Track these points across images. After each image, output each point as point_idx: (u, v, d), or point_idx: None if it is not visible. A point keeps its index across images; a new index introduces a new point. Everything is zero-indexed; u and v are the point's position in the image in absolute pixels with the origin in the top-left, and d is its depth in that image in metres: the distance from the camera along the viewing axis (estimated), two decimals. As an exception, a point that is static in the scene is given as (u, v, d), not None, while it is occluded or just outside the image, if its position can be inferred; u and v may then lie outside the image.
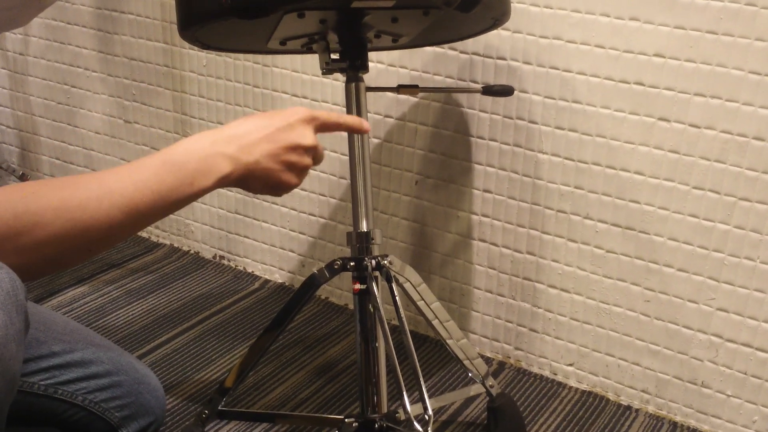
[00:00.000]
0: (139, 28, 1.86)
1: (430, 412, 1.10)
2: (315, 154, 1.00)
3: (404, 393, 1.11)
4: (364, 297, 1.18)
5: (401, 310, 1.18)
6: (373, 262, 1.18)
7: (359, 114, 1.21)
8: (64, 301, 1.73)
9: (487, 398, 1.38)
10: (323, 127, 1.01)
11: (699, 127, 1.31)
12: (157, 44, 1.85)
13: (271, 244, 1.85)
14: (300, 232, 1.80)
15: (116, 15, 1.89)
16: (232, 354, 1.60)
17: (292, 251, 1.83)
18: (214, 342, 1.63)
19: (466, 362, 1.31)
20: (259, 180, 0.96)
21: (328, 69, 1.21)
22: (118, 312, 1.71)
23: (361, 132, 1.09)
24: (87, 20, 1.94)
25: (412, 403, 1.14)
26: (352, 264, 1.19)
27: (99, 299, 1.75)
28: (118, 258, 1.92)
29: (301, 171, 0.98)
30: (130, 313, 1.71)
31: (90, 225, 0.84)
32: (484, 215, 1.54)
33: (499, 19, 1.23)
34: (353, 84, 1.20)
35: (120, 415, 1.25)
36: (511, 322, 1.58)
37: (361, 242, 1.20)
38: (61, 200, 0.84)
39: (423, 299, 1.26)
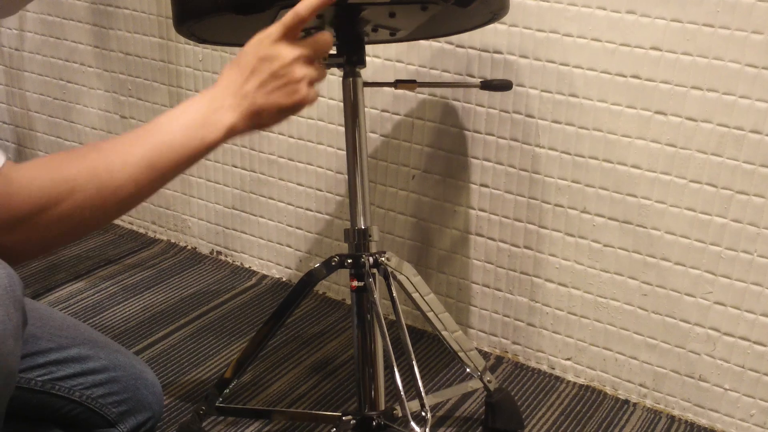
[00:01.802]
0: (135, 23, 1.86)
1: (428, 409, 1.10)
2: (306, 59, 0.99)
3: (401, 390, 1.11)
4: (362, 294, 1.17)
5: (398, 306, 1.18)
6: (371, 259, 1.18)
7: (356, 110, 1.20)
8: (61, 297, 1.73)
9: (485, 393, 1.37)
10: (293, 27, 0.99)
11: (696, 121, 1.31)
12: (153, 39, 1.85)
13: (268, 240, 1.85)
14: (297, 228, 1.80)
15: (112, 10, 1.88)
16: (229, 350, 1.60)
17: (290, 247, 1.83)
18: (212, 338, 1.63)
19: (461, 354, 1.31)
20: (266, 115, 0.98)
21: (325, 64, 1.21)
22: (115, 308, 1.71)
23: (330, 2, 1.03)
24: (82, 15, 1.94)
25: (409, 399, 1.13)
26: (349, 261, 1.18)
27: (96, 295, 1.75)
28: (114, 254, 1.92)
29: (299, 85, 0.98)
30: (127, 309, 1.71)
31: (117, 186, 0.89)
32: (481, 210, 1.54)
33: (498, 13, 1.23)
34: (350, 79, 1.20)
35: (117, 411, 1.25)
36: (508, 317, 1.58)
37: (358, 239, 1.19)
38: (90, 166, 0.89)
39: (418, 291, 1.26)
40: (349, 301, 1.73)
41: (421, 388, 1.12)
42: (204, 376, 1.52)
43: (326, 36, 1.01)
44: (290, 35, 0.98)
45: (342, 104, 1.23)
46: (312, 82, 1.00)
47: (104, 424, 1.26)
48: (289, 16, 0.98)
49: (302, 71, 0.98)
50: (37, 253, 0.92)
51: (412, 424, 1.09)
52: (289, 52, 0.98)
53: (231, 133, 0.96)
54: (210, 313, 1.72)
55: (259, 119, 0.98)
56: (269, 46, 0.98)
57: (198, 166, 1.91)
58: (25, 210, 0.87)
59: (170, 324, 1.67)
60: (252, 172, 1.81)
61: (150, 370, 1.33)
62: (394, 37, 1.28)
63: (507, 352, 1.61)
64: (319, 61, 1.01)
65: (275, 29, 0.98)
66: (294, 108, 0.99)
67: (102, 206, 0.91)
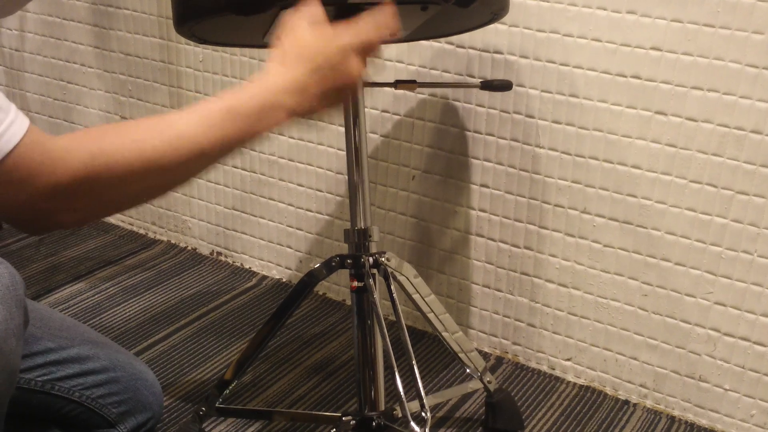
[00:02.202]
0: (135, 24, 1.86)
1: (428, 409, 1.10)
2: (360, 44, 0.97)
3: (401, 391, 1.11)
4: (362, 294, 1.17)
5: (398, 306, 1.17)
6: (371, 259, 1.18)
7: (356, 110, 1.20)
8: (61, 299, 1.73)
9: (485, 393, 1.37)
10: (370, 47, 0.99)
11: (696, 121, 1.31)
12: (153, 40, 1.85)
13: (268, 241, 1.85)
14: (297, 228, 1.79)
15: (112, 10, 1.88)
16: (229, 350, 1.60)
17: (290, 247, 1.83)
18: (212, 339, 1.63)
19: (462, 355, 1.30)
20: (320, 104, 0.96)
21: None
22: (115, 309, 1.71)
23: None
24: (83, 16, 1.94)
25: (409, 400, 1.13)
26: (349, 261, 1.18)
27: (96, 296, 1.75)
28: (114, 255, 1.92)
29: (352, 63, 0.96)
30: (127, 310, 1.71)
31: (163, 166, 0.86)
32: (481, 210, 1.54)
33: (498, 13, 1.23)
34: None
35: (117, 411, 1.25)
36: (508, 317, 1.58)
37: (358, 239, 1.19)
38: (134, 141, 0.86)
39: (418, 292, 1.26)
40: (349, 302, 1.73)
41: (421, 389, 1.12)
42: (204, 376, 1.52)
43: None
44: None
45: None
46: (355, 68, 0.97)
47: (104, 424, 1.26)
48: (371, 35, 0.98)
49: (356, 61, 0.96)
50: (80, 223, 0.89)
51: (412, 424, 1.09)
52: (342, 41, 0.96)
53: (281, 128, 0.95)
54: (210, 313, 1.71)
55: (316, 107, 0.96)
56: (343, 48, 0.96)
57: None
58: (63, 178, 0.83)
59: (170, 325, 1.67)
60: (252, 173, 1.81)
61: (150, 370, 1.33)
62: (393, 37, 1.28)
63: (507, 352, 1.61)
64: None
65: (350, 35, 0.97)
66: (348, 90, 0.97)
67: (148, 181, 0.88)
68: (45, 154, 0.83)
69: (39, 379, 1.20)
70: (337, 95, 0.97)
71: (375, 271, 1.18)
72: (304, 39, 0.96)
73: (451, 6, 1.10)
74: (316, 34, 0.96)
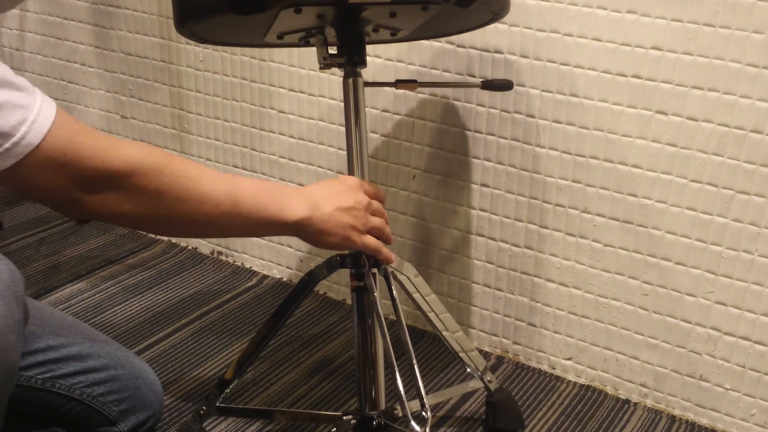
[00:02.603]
0: (136, 23, 1.86)
1: (428, 408, 1.10)
2: (374, 212, 1.13)
3: (401, 390, 1.11)
4: (362, 294, 1.17)
5: (399, 306, 1.17)
6: (371, 259, 1.18)
7: (357, 110, 1.20)
8: (62, 298, 1.73)
9: (486, 393, 1.37)
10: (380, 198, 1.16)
11: (697, 120, 1.31)
12: (154, 39, 1.85)
13: (269, 240, 1.85)
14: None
15: (112, 10, 1.89)
16: (230, 350, 1.60)
17: (290, 247, 1.83)
18: (212, 338, 1.63)
19: (462, 355, 1.30)
20: (328, 233, 1.07)
21: (325, 64, 1.21)
22: (115, 308, 1.71)
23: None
24: (83, 15, 1.94)
25: (409, 399, 1.13)
26: (349, 261, 1.18)
27: (97, 296, 1.75)
28: (115, 254, 1.92)
29: (365, 228, 1.10)
30: (128, 310, 1.71)
31: (201, 192, 0.95)
32: (482, 209, 1.54)
33: (498, 13, 1.23)
34: (351, 79, 1.20)
35: (118, 409, 1.25)
36: (509, 317, 1.58)
37: None
38: (186, 162, 0.96)
39: (418, 291, 1.26)
40: (349, 302, 1.73)
41: (422, 388, 1.12)
42: (205, 376, 1.52)
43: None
44: (379, 198, 1.15)
45: (342, 104, 1.23)
46: (365, 234, 1.11)
47: (105, 422, 1.26)
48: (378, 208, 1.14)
49: (374, 220, 1.11)
50: (103, 220, 0.95)
51: (413, 423, 1.09)
52: (368, 199, 1.12)
53: (298, 225, 1.04)
54: (211, 313, 1.72)
55: (323, 228, 1.07)
56: (362, 186, 1.13)
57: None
58: (116, 168, 0.87)
59: (171, 324, 1.67)
60: (253, 172, 1.81)
61: (150, 368, 1.33)
62: (394, 38, 1.28)
63: (508, 352, 1.61)
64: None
65: (366, 184, 1.14)
66: (352, 242, 1.10)
67: (181, 200, 0.94)
68: (100, 140, 0.86)
69: (39, 376, 1.20)
70: (348, 231, 1.09)
71: (375, 270, 1.18)
72: (339, 180, 1.12)
73: (451, 6, 1.10)
74: (352, 181, 1.12)
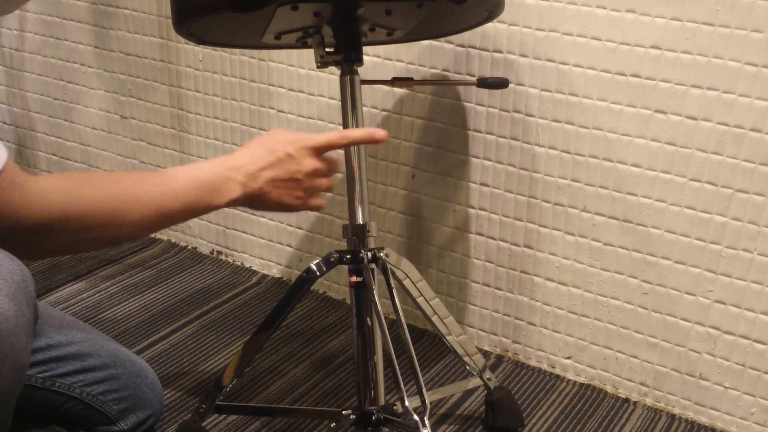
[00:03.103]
0: (135, 24, 1.86)
1: (428, 403, 1.10)
2: (321, 172, 1.12)
3: (401, 384, 1.11)
4: (361, 289, 1.18)
5: (398, 303, 1.18)
6: (369, 254, 1.18)
7: (354, 107, 1.21)
8: (62, 298, 1.73)
9: (485, 391, 1.37)
10: (325, 148, 1.11)
11: (696, 119, 1.31)
12: (153, 39, 1.85)
13: (268, 239, 1.85)
14: (297, 227, 1.80)
15: (112, 10, 1.89)
16: (230, 349, 1.60)
17: (290, 246, 1.83)
18: (212, 337, 1.63)
19: (466, 358, 1.31)
20: (265, 203, 1.09)
21: (322, 62, 1.21)
22: (115, 308, 1.71)
23: (374, 141, 1.15)
24: (83, 16, 1.94)
25: (409, 396, 1.13)
26: (348, 257, 1.19)
27: (96, 295, 1.75)
28: (115, 254, 1.92)
29: (307, 193, 1.11)
30: (128, 309, 1.71)
31: (126, 220, 0.98)
32: (481, 209, 1.54)
33: (494, 11, 1.23)
34: (348, 77, 1.20)
35: (118, 408, 1.26)
36: (508, 316, 1.58)
37: (357, 234, 1.20)
38: (107, 194, 0.98)
39: (422, 295, 1.26)
40: (349, 301, 1.73)
41: (422, 383, 1.12)
42: (204, 375, 1.52)
43: (339, 159, 1.16)
44: (321, 151, 1.11)
45: (339, 102, 1.23)
46: (313, 196, 1.13)
47: (105, 421, 1.26)
48: (333, 137, 1.12)
49: (312, 182, 1.11)
50: (45, 257, 1.01)
51: (414, 416, 1.09)
52: (311, 162, 1.10)
53: (232, 204, 1.07)
54: (210, 312, 1.72)
55: (258, 202, 1.09)
56: (299, 150, 1.10)
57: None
58: (36, 220, 0.92)
59: (171, 324, 1.67)
60: (252, 172, 1.81)
61: (150, 368, 1.33)
62: (391, 38, 1.28)
63: (507, 351, 1.61)
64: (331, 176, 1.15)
65: (313, 140, 1.10)
66: (289, 208, 1.12)
67: (109, 233, 0.99)
68: (25, 195, 0.91)
69: (39, 375, 1.20)
70: (286, 197, 1.10)
71: (373, 266, 1.18)
72: (279, 137, 1.10)
73: (445, 3, 1.10)
74: (292, 140, 1.10)
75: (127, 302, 1.73)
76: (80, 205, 0.95)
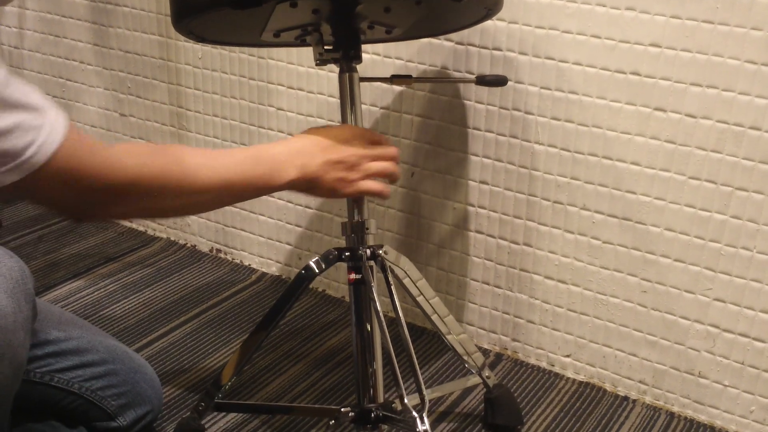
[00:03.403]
0: (135, 21, 1.86)
1: (427, 401, 1.10)
2: (379, 157, 1.15)
3: (400, 382, 1.11)
4: (360, 287, 1.17)
5: (397, 300, 1.17)
6: (368, 251, 1.18)
7: (353, 105, 1.20)
8: (61, 295, 1.73)
9: (484, 389, 1.37)
10: (379, 141, 1.17)
11: (695, 117, 1.31)
12: (153, 37, 1.85)
13: (268, 237, 1.85)
14: (296, 225, 1.80)
15: (111, 8, 1.89)
16: (229, 347, 1.60)
17: (289, 244, 1.83)
18: (211, 335, 1.63)
19: (465, 357, 1.31)
20: (320, 186, 1.11)
21: (321, 60, 1.21)
22: (114, 306, 1.71)
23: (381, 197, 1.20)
24: (82, 13, 1.94)
25: (408, 393, 1.13)
26: (347, 254, 1.18)
27: (96, 293, 1.75)
28: (114, 252, 1.92)
29: (361, 175, 1.13)
30: (127, 307, 1.71)
31: (195, 186, 1.01)
32: (480, 206, 1.54)
33: (492, 9, 1.23)
34: (347, 74, 1.20)
35: (116, 404, 1.26)
36: (508, 314, 1.58)
37: (355, 232, 1.20)
38: (175, 160, 1.01)
39: (422, 294, 1.26)
40: (348, 299, 1.73)
41: (421, 381, 1.12)
42: (203, 373, 1.52)
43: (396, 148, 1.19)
44: (373, 141, 1.16)
45: (338, 100, 1.23)
46: (375, 175, 1.15)
47: (103, 417, 1.26)
48: (386, 142, 1.18)
49: (368, 165, 1.14)
50: (119, 218, 1.07)
51: (413, 413, 1.09)
52: (364, 147, 1.14)
53: (289, 186, 1.09)
54: (210, 310, 1.72)
55: (314, 186, 1.11)
56: (354, 135, 1.15)
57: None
58: (112, 182, 0.93)
59: (170, 321, 1.67)
60: (251, 170, 1.81)
61: (148, 364, 1.33)
62: (390, 35, 1.28)
63: (507, 349, 1.61)
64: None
65: (369, 133, 1.17)
66: (344, 192, 1.14)
67: (178, 200, 1.02)
68: (103, 158, 0.93)
69: (38, 370, 1.20)
70: (339, 182, 1.13)
71: (372, 263, 1.18)
72: (337, 129, 1.15)
73: (443, 0, 1.10)
74: (350, 132, 1.15)
75: (126, 300, 1.73)
76: (152, 168, 0.97)
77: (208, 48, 1.77)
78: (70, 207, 0.95)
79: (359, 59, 1.20)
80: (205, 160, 1.03)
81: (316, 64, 1.22)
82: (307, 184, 1.11)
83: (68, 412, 1.24)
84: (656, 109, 1.33)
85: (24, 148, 0.84)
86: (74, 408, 1.24)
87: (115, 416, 1.26)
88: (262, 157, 1.08)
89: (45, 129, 0.86)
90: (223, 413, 1.40)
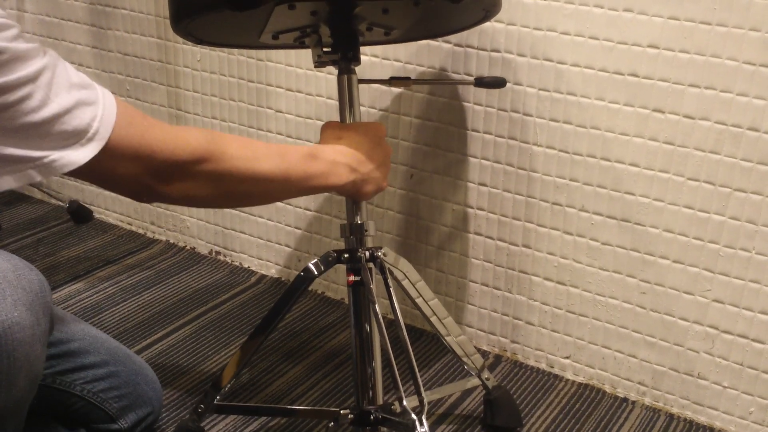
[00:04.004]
0: (133, 24, 1.86)
1: (426, 403, 1.10)
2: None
3: (399, 384, 1.11)
4: (359, 288, 1.18)
5: (396, 302, 1.17)
6: (367, 253, 1.18)
7: (352, 107, 1.20)
8: (60, 298, 1.73)
9: (484, 391, 1.37)
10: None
11: (694, 118, 1.31)
12: (151, 39, 1.85)
13: (267, 240, 1.85)
14: (296, 227, 1.80)
15: (110, 10, 1.89)
16: (228, 349, 1.60)
17: (288, 246, 1.83)
18: (211, 337, 1.63)
19: (465, 359, 1.31)
20: (365, 187, 1.15)
21: (320, 62, 1.21)
22: (114, 308, 1.71)
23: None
24: (81, 16, 1.94)
25: (407, 395, 1.13)
26: (346, 256, 1.19)
27: (95, 296, 1.75)
28: (114, 254, 1.92)
29: (385, 175, 1.19)
30: (127, 310, 1.71)
31: (257, 173, 1.02)
32: (479, 208, 1.54)
33: (490, 10, 1.23)
34: (345, 76, 1.20)
35: (118, 406, 1.26)
36: (507, 315, 1.58)
37: (354, 234, 1.20)
38: (242, 144, 1.03)
39: (421, 296, 1.26)
40: (347, 300, 1.73)
41: (419, 381, 1.12)
42: (203, 375, 1.52)
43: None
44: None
45: (337, 102, 1.23)
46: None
47: (105, 418, 1.26)
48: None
49: (389, 166, 1.20)
50: (174, 203, 1.03)
51: (412, 415, 1.09)
52: (389, 149, 1.20)
53: (337, 189, 1.13)
54: (209, 313, 1.72)
55: (359, 189, 1.15)
56: (383, 135, 1.19)
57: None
58: (184, 158, 0.95)
59: (169, 324, 1.67)
60: (250, 172, 1.81)
61: (149, 366, 1.33)
62: (389, 37, 1.28)
63: (506, 350, 1.61)
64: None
65: (384, 129, 1.20)
66: (380, 190, 1.19)
67: (240, 180, 1.02)
68: (165, 131, 0.94)
69: None
70: (380, 181, 1.18)
71: (371, 265, 1.18)
72: (372, 129, 1.17)
73: (441, 1, 1.10)
74: (381, 131, 1.19)
75: (125, 302, 1.73)
76: (220, 144, 0.99)
77: (206, 50, 1.77)
78: (137, 184, 0.95)
79: (358, 61, 1.20)
80: (267, 148, 1.05)
81: (315, 66, 1.22)
82: (354, 188, 1.14)
83: (70, 414, 1.24)
84: (654, 110, 1.33)
85: (89, 123, 0.86)
86: (76, 410, 1.24)
87: (117, 418, 1.26)
88: (319, 155, 1.09)
89: (100, 102, 0.88)
90: (223, 415, 1.40)
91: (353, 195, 1.17)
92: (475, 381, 1.36)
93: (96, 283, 1.80)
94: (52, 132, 0.84)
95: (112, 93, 0.92)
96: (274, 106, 1.73)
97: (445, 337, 1.29)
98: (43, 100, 0.82)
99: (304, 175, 1.07)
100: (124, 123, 0.89)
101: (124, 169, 0.91)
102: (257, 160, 1.02)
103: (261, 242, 1.86)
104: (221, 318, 1.70)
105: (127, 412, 1.27)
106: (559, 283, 1.50)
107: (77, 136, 0.85)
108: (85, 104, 0.86)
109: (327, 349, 1.61)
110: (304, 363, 1.57)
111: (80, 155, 0.86)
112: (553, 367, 1.56)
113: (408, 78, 1.35)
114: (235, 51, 1.73)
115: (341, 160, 1.11)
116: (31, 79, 0.82)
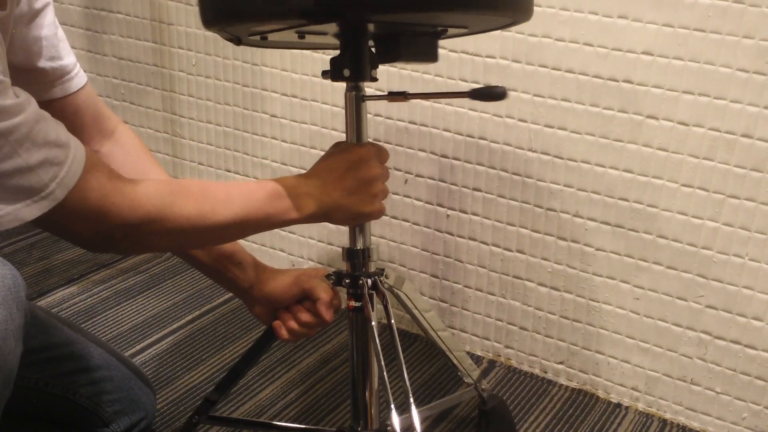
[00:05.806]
0: (128, 28, 1.86)
1: (419, 429, 1.10)
2: (385, 178, 1.13)
3: (392, 406, 1.10)
4: (359, 314, 1.16)
5: (395, 327, 1.16)
6: (369, 281, 1.16)
7: (355, 125, 1.16)
8: (54, 302, 1.73)
9: (479, 400, 1.38)
10: (386, 157, 1.14)
11: (687, 125, 1.31)
12: (146, 44, 1.85)
13: (261, 244, 1.85)
14: (290, 231, 1.80)
15: (105, 14, 1.89)
16: (222, 354, 1.60)
17: (283, 251, 1.83)
18: (204, 342, 1.63)
19: (463, 376, 1.31)
20: (342, 214, 1.10)
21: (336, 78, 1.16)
22: (107, 312, 1.71)
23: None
24: (76, 20, 1.94)
25: (401, 414, 1.12)
26: (347, 281, 1.16)
27: (89, 299, 1.75)
28: (107, 258, 1.92)
29: (375, 198, 1.11)
30: (120, 314, 1.70)
31: (211, 225, 1.01)
32: (474, 213, 1.54)
33: (516, 20, 1.18)
34: (353, 93, 1.13)
35: (111, 410, 1.26)
36: (501, 321, 1.58)
37: (357, 259, 1.16)
38: (200, 197, 1.01)
39: (417, 308, 1.25)
40: (343, 306, 1.73)
41: (415, 412, 1.10)
42: (197, 380, 1.52)
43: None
44: (382, 159, 1.13)
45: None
46: (380, 201, 1.12)
47: (98, 423, 1.26)
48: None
49: (380, 187, 1.10)
50: (137, 253, 1.07)
51: None
52: (377, 167, 1.10)
53: (309, 219, 1.08)
54: (203, 317, 1.71)
55: (335, 216, 1.10)
56: (368, 154, 1.11)
57: (191, 170, 1.91)
58: (133, 221, 0.95)
59: (163, 328, 1.67)
60: (245, 176, 1.81)
61: (142, 371, 1.33)
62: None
63: (500, 355, 1.61)
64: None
65: (374, 147, 1.12)
66: (369, 216, 1.11)
67: (195, 233, 1.02)
68: (123, 194, 0.94)
69: (33, 376, 1.20)
70: (362, 205, 1.11)
71: (373, 292, 1.17)
72: (354, 152, 1.11)
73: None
74: (367, 152, 1.11)
75: (119, 306, 1.73)
76: (173, 207, 0.98)
77: (201, 55, 1.78)
78: (88, 242, 0.96)
79: (368, 79, 1.15)
80: (225, 196, 1.03)
81: (323, 76, 1.17)
82: (327, 215, 1.10)
83: (63, 418, 1.24)
84: (649, 116, 1.34)
85: (46, 183, 0.86)
86: (69, 414, 1.24)
87: (110, 422, 1.26)
88: (282, 192, 1.07)
89: (67, 164, 0.88)
90: (218, 427, 1.39)
91: (328, 221, 1.13)
92: (471, 392, 1.36)
93: (90, 286, 1.80)
94: (8, 185, 0.84)
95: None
96: (269, 111, 1.73)
97: (446, 353, 1.29)
98: (8, 154, 0.83)
99: (264, 216, 1.06)
100: (84, 186, 0.89)
101: (75, 227, 0.92)
102: (213, 214, 1.01)
103: (255, 246, 1.86)
104: (215, 322, 1.70)
105: (120, 416, 1.26)
106: (553, 288, 1.51)
107: (30, 194, 0.85)
108: (50, 164, 0.86)
109: (320, 355, 1.61)
110: (298, 368, 1.57)
111: (28, 212, 0.86)
112: (546, 373, 1.57)
113: (404, 93, 1.31)
114: (230, 55, 1.74)
115: (304, 190, 1.08)
116: (3, 134, 0.82)
